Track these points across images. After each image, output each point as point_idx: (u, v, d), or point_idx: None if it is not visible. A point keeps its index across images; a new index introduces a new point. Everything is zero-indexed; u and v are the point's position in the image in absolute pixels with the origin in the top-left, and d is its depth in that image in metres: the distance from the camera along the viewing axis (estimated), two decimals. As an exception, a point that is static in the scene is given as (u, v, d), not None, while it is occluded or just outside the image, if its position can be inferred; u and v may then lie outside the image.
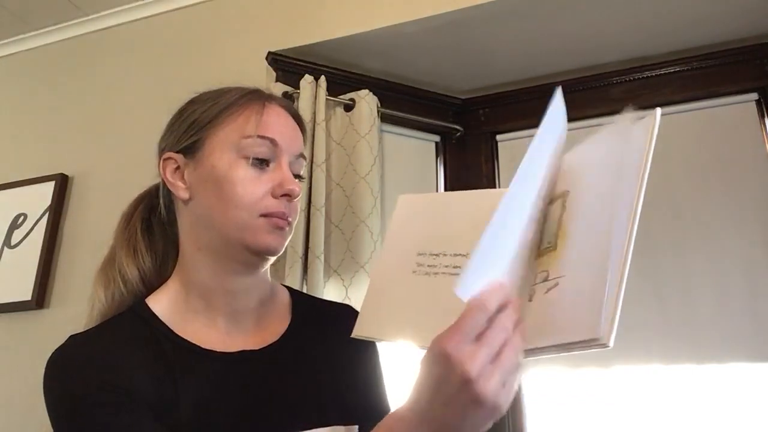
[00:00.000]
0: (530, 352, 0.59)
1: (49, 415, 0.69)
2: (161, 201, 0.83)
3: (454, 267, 0.71)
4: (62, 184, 1.85)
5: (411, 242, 0.78)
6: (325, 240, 1.46)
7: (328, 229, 1.49)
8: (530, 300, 0.63)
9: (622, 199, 0.58)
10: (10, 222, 1.87)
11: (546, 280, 0.62)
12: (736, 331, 1.39)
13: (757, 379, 1.39)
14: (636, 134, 0.62)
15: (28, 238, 1.82)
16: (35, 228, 1.82)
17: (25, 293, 1.73)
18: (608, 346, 0.51)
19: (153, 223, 0.85)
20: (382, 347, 0.91)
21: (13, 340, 1.73)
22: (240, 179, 0.74)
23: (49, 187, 1.85)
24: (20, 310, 1.74)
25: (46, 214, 1.82)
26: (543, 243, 0.66)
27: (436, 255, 0.75)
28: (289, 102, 0.84)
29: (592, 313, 0.53)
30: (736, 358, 1.38)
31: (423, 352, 0.56)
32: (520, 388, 1.64)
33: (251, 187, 0.74)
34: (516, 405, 1.53)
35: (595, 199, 0.62)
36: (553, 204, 0.69)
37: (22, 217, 1.86)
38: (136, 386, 0.69)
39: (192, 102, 0.82)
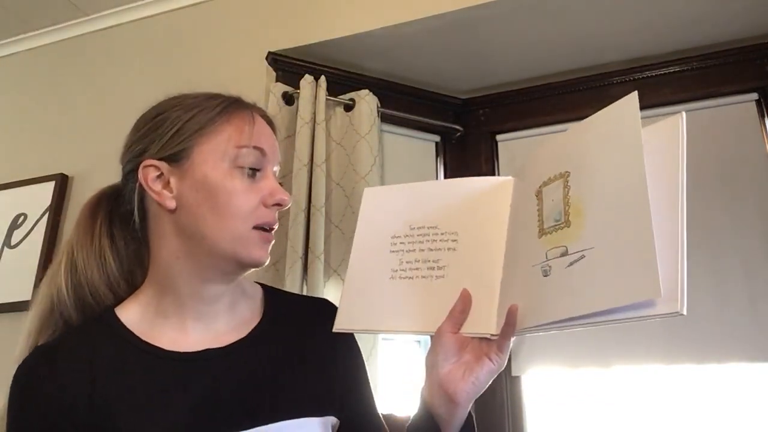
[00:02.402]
0: (564, 322, 0.61)
1: None
2: (135, 209, 0.78)
3: (442, 236, 0.79)
4: (62, 184, 1.85)
5: (384, 228, 0.82)
6: (325, 240, 1.46)
7: (328, 229, 1.49)
8: (546, 276, 0.64)
9: (633, 171, 0.60)
10: (10, 222, 1.87)
11: (564, 254, 0.63)
12: (736, 331, 1.39)
13: (757, 379, 1.39)
14: (623, 112, 0.66)
15: (28, 238, 1.82)
16: (35, 228, 1.82)
17: (25, 293, 1.73)
18: (682, 313, 0.54)
19: (115, 231, 0.83)
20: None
21: (13, 340, 1.72)
22: (236, 190, 0.74)
23: (49, 187, 1.85)
24: (20, 310, 1.73)
25: (46, 214, 1.82)
26: (546, 222, 0.68)
27: (418, 229, 0.80)
28: (265, 111, 0.84)
29: (647, 277, 0.55)
30: (736, 358, 1.38)
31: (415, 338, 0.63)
32: (520, 388, 1.62)
33: (246, 198, 0.74)
34: (516, 405, 1.53)
35: (605, 176, 0.64)
36: (547, 186, 0.70)
37: (22, 217, 1.86)
38: (77, 404, 0.70)
39: (173, 107, 0.78)
